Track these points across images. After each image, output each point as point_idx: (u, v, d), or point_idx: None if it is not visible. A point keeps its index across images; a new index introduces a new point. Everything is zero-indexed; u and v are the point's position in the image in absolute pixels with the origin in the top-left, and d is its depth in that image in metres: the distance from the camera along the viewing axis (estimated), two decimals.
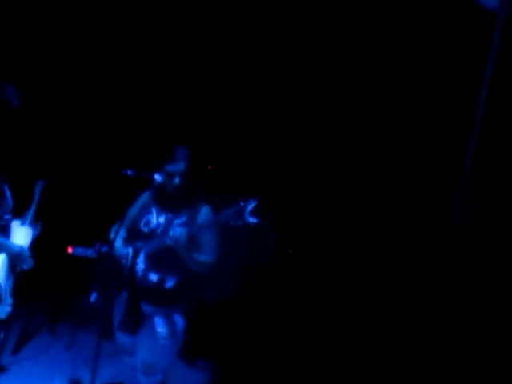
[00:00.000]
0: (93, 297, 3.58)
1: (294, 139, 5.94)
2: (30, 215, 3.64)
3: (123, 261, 3.45)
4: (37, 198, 3.73)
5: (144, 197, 3.66)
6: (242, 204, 2.96)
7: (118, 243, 3.54)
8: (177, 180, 3.38)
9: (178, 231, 3.15)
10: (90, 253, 5.29)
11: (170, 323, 3.35)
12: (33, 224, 3.63)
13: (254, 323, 5.43)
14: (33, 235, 3.62)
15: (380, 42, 5.22)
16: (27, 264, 3.39)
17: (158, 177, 3.38)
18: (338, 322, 5.43)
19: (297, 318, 5.48)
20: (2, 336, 3.78)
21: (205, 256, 3.33)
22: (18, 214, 3.55)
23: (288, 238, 5.79)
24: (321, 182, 5.83)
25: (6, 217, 3.38)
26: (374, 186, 5.63)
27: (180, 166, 3.39)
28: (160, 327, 3.34)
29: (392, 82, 5.35)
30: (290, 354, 5.21)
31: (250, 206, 2.94)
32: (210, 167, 5.58)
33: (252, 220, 2.93)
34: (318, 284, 5.65)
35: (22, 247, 3.40)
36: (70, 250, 5.43)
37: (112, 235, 3.59)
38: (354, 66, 5.50)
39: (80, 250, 5.43)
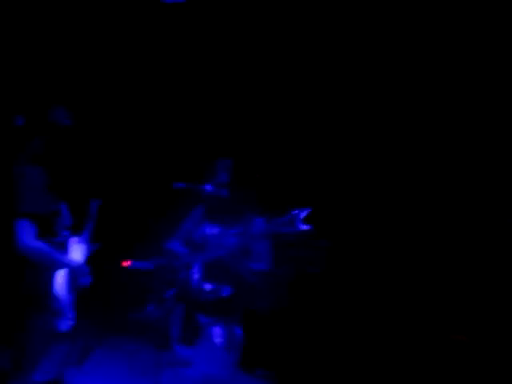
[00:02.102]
0: (150, 308, 3.64)
1: (345, 143, 5.91)
2: (86, 232, 3.72)
3: (179, 272, 3.51)
4: (93, 215, 3.81)
5: (198, 209, 3.71)
6: (294, 213, 2.97)
7: (174, 255, 3.60)
8: (223, 192, 3.42)
9: (231, 242, 3.18)
10: (146, 266, 5.38)
11: (227, 333, 3.37)
12: (90, 240, 3.72)
13: (308, 331, 5.41)
14: (90, 251, 3.70)
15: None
16: (86, 280, 3.45)
17: (208, 189, 3.44)
18: (395, 327, 5.35)
19: (352, 323, 5.43)
20: (66, 349, 3.86)
21: (259, 265, 3.34)
22: (76, 231, 3.63)
23: (340, 245, 5.75)
24: (373, 186, 5.78)
25: (64, 233, 3.46)
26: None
27: (223, 177, 3.43)
28: (217, 337, 3.36)
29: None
30: (345, 360, 5.17)
31: (302, 215, 2.94)
32: (258, 175, 5.59)
33: (304, 228, 2.93)
34: (370, 289, 5.59)
35: (79, 263, 3.47)
36: (126, 264, 5.53)
37: (168, 248, 3.66)
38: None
39: (136, 264, 5.53)
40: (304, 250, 5.37)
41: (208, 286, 3.39)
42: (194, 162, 5.47)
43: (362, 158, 5.84)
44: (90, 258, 3.68)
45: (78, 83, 5.69)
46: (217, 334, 3.38)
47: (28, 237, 3.14)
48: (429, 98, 5.44)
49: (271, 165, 5.90)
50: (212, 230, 3.51)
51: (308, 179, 5.81)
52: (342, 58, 5.65)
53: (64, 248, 3.45)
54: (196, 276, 3.42)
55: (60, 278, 3.32)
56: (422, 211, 5.57)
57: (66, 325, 3.40)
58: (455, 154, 5.38)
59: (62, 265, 3.33)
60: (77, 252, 3.55)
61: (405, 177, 5.65)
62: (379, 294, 5.51)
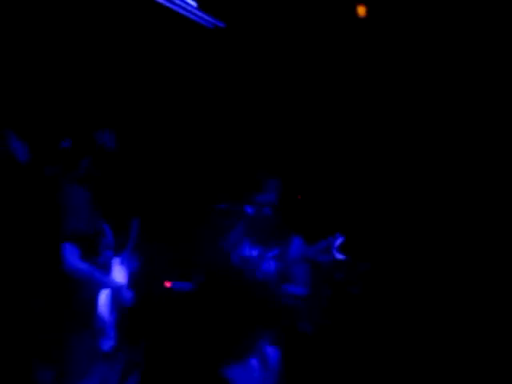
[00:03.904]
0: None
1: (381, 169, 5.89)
2: (128, 252, 3.77)
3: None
4: (134, 235, 3.86)
5: (236, 229, 3.72)
6: (330, 239, 2.96)
7: (215, 275, 3.62)
8: (267, 211, 3.42)
9: (269, 266, 3.18)
10: (187, 286, 5.41)
11: (259, 354, 3.34)
12: (131, 260, 3.76)
13: (349, 349, 5.35)
14: (132, 271, 3.75)
15: None
16: (127, 300, 3.49)
17: (249, 209, 3.44)
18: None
19: (395, 341, 5.36)
20: (106, 369, 3.91)
21: (297, 288, 3.33)
22: (118, 251, 3.68)
23: (378, 266, 5.70)
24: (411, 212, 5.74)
25: (107, 253, 3.51)
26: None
27: (270, 196, 3.43)
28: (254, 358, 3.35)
29: None
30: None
31: (337, 242, 2.93)
32: (299, 196, 5.60)
33: (339, 256, 2.92)
34: (409, 310, 5.51)
35: (122, 283, 3.52)
36: (168, 285, 5.58)
37: (208, 268, 3.69)
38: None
39: (178, 284, 5.57)
40: (342, 272, 5.35)
41: None
42: (236, 181, 5.52)
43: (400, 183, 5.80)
44: (133, 278, 3.73)
45: (121, 108, 5.79)
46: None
47: (72, 258, 3.21)
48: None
49: (312, 187, 5.90)
50: (251, 252, 3.52)
51: (346, 203, 5.79)
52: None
53: (107, 268, 3.51)
54: None
55: (103, 297, 3.38)
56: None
57: (107, 344, 3.45)
58: None
59: (105, 285, 3.39)
60: (119, 272, 3.61)
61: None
62: (418, 316, 5.43)
